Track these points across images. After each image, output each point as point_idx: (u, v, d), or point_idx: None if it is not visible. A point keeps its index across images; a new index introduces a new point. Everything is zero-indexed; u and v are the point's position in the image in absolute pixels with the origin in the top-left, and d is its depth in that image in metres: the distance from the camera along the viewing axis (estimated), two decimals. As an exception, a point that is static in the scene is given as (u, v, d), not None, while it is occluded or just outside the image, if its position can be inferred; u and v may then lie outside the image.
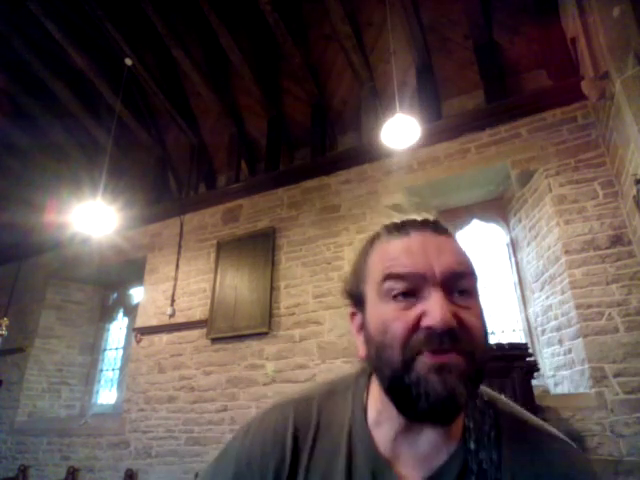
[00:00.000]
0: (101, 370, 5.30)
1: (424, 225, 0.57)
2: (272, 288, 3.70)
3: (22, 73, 4.69)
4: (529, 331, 3.20)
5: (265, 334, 3.56)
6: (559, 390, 2.83)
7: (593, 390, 2.45)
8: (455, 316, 0.48)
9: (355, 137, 4.02)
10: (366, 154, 3.68)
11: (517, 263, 3.41)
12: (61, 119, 5.01)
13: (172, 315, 4.13)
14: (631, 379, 2.39)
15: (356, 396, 0.61)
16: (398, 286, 0.51)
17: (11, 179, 5.49)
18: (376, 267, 0.55)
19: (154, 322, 4.22)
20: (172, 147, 5.04)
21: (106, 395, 5.14)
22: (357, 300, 0.58)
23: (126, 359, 4.86)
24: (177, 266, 4.32)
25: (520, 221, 3.37)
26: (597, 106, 2.79)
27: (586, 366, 2.52)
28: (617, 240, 2.64)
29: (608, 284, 2.58)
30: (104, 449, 3.99)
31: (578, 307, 2.62)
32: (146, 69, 4.30)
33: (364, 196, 3.63)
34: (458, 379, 0.47)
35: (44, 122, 5.04)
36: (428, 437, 0.54)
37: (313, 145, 4.11)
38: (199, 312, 4.00)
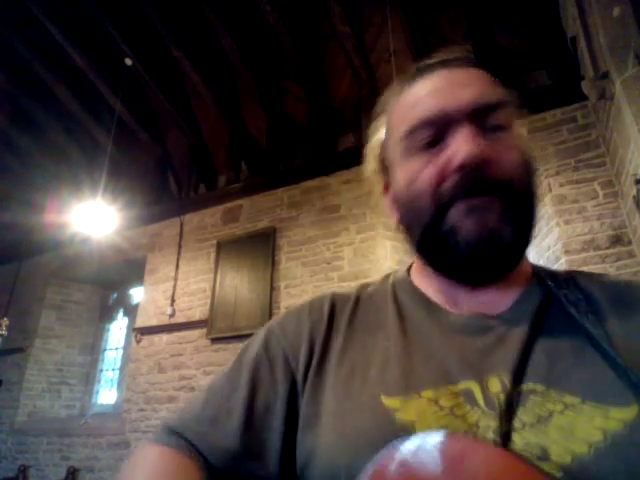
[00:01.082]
0: (101, 370, 5.30)
1: (450, 61, 0.51)
2: (272, 288, 3.70)
3: (22, 73, 4.69)
4: (529, 331, 3.20)
5: (265, 334, 3.57)
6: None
7: None
8: (489, 149, 0.42)
9: (355, 137, 4.02)
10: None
11: (517, 263, 3.41)
12: (61, 119, 5.01)
13: (172, 315, 4.13)
14: (631, 379, 2.39)
15: (398, 273, 0.57)
16: (420, 136, 0.45)
17: (11, 179, 5.48)
18: (397, 122, 0.49)
19: (154, 322, 4.22)
20: (172, 147, 5.04)
21: (106, 395, 5.14)
22: (384, 167, 0.53)
23: (126, 359, 4.86)
24: (177, 266, 4.32)
25: (520, 221, 3.37)
26: (597, 106, 2.79)
27: (586, 366, 2.52)
28: (617, 240, 2.64)
29: (608, 284, 2.58)
30: (104, 449, 3.99)
31: (578, 307, 2.62)
32: (146, 69, 4.30)
33: (364, 196, 3.63)
34: (498, 217, 0.41)
35: (44, 122, 5.04)
36: (488, 291, 0.46)
37: (313, 145, 4.11)
38: (199, 312, 4.00)
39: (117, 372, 5.13)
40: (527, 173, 0.45)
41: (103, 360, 5.35)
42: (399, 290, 0.53)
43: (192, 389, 3.76)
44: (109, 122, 4.49)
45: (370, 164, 0.58)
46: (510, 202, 0.42)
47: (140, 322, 4.34)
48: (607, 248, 2.65)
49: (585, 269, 2.67)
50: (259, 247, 3.91)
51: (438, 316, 0.47)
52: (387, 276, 0.58)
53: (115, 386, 5.06)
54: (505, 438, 0.35)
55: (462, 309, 0.47)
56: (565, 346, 0.41)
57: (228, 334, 3.71)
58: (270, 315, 3.59)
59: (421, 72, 0.51)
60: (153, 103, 4.85)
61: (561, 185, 2.91)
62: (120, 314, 5.44)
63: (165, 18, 3.85)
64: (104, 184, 3.69)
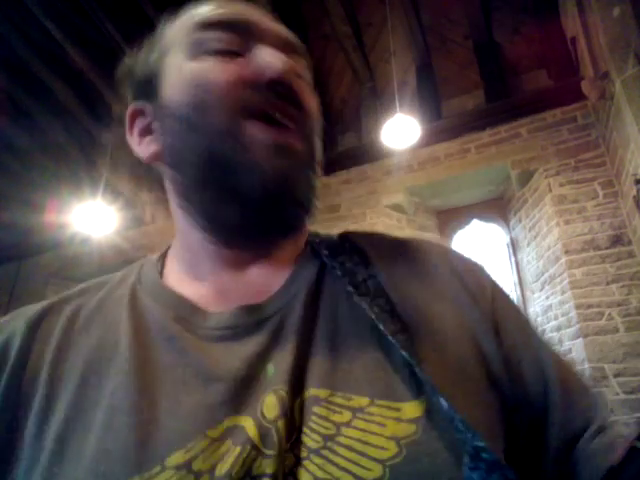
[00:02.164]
0: (101, 370, 5.30)
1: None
2: (272, 288, 3.70)
3: (22, 73, 4.69)
4: (529, 331, 3.20)
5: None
6: (559, 390, 2.83)
7: (593, 390, 2.45)
8: (298, 79, 0.36)
9: (355, 137, 4.02)
10: (366, 154, 3.68)
11: (517, 263, 3.41)
12: (61, 119, 5.01)
13: (172, 315, 4.12)
14: (631, 379, 2.39)
15: (148, 262, 0.43)
16: (217, 37, 0.36)
17: (11, 179, 5.48)
18: (181, 28, 0.40)
19: (154, 322, 4.22)
20: (172, 147, 5.04)
21: (106, 395, 5.13)
22: (144, 87, 0.40)
23: (126, 359, 4.85)
24: (177, 266, 4.32)
25: (520, 221, 3.37)
26: (597, 106, 2.79)
27: (586, 366, 2.52)
28: (617, 240, 2.64)
29: (608, 284, 2.58)
30: (104, 449, 3.98)
31: (578, 307, 2.62)
32: (146, 69, 4.29)
33: (364, 196, 3.63)
34: (299, 166, 0.35)
35: (44, 122, 5.04)
36: (259, 267, 0.38)
37: (313, 145, 4.10)
38: (199, 312, 3.99)
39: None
40: (317, 113, 0.40)
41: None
42: (140, 292, 0.38)
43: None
44: (109, 122, 4.48)
45: (124, 86, 0.45)
46: (309, 153, 0.37)
47: (140, 322, 4.33)
48: (607, 248, 2.65)
49: (585, 269, 2.67)
50: (259, 247, 3.90)
51: (193, 322, 0.35)
52: (130, 270, 0.44)
53: (115, 386, 5.06)
54: (290, 477, 0.27)
55: (227, 301, 0.36)
56: (347, 333, 0.34)
57: (228, 334, 3.70)
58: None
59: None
60: (153, 103, 4.85)
61: (561, 185, 2.91)
62: (120, 314, 5.44)
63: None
64: (104, 184, 3.68)
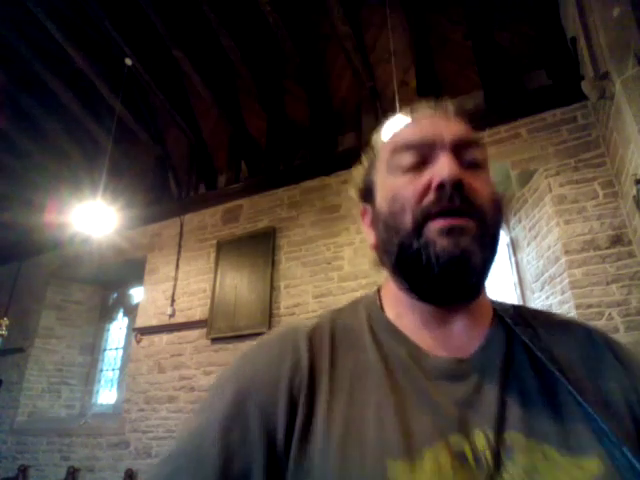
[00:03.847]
0: (101, 370, 5.30)
1: (429, 108, 0.55)
2: (272, 288, 3.70)
3: (22, 73, 4.69)
4: (529, 331, 3.20)
5: (265, 334, 3.56)
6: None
7: None
8: (465, 178, 0.46)
9: (355, 137, 4.02)
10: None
11: (517, 263, 3.41)
12: (61, 119, 5.01)
13: (172, 315, 4.13)
14: (631, 379, 2.39)
15: (368, 302, 0.55)
16: (406, 157, 0.49)
17: (11, 179, 5.48)
18: (384, 150, 0.54)
19: (154, 322, 4.22)
20: (172, 147, 5.04)
21: (106, 395, 5.14)
22: (367, 193, 0.56)
23: (126, 359, 4.86)
24: (177, 266, 4.32)
25: (520, 221, 3.37)
26: (597, 106, 2.79)
27: (586, 366, 2.52)
28: (617, 240, 2.64)
29: (608, 284, 2.58)
30: (104, 449, 3.99)
31: (578, 307, 2.62)
32: (146, 69, 4.30)
33: (364, 196, 3.63)
34: (471, 240, 0.44)
35: (44, 122, 5.04)
36: (457, 322, 0.49)
37: (313, 145, 4.11)
38: (199, 312, 4.00)
39: (117, 372, 5.12)
40: (498, 210, 0.48)
41: (103, 360, 5.35)
42: (376, 326, 0.51)
43: (192, 389, 3.76)
44: (109, 122, 4.48)
45: (352, 191, 0.60)
46: (481, 228, 0.45)
47: (140, 322, 4.34)
48: (607, 248, 2.65)
49: (585, 269, 2.67)
50: (259, 247, 3.91)
51: (419, 360, 0.46)
52: (356, 303, 0.56)
53: (115, 386, 5.06)
54: None
55: (438, 348, 0.48)
56: (534, 391, 0.44)
57: (228, 334, 3.71)
58: (270, 315, 3.59)
59: (407, 123, 0.55)
60: (153, 103, 4.85)
61: (561, 185, 2.91)
62: (120, 314, 5.44)
63: (165, 18, 3.85)
64: (104, 184, 3.69)
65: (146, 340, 4.20)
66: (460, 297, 0.48)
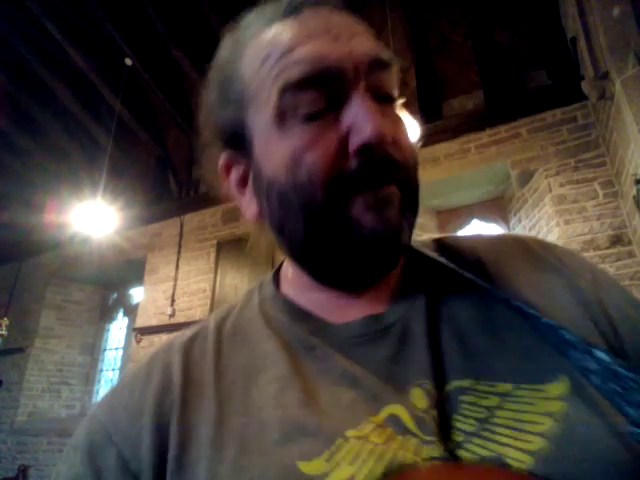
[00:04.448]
0: (101, 370, 5.30)
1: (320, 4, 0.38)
2: (272, 288, 3.70)
3: (22, 73, 4.69)
4: (529, 331, 3.20)
5: (265, 334, 3.56)
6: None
7: None
8: (390, 127, 0.35)
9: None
10: (366, 154, 3.68)
11: (517, 263, 3.41)
12: (61, 119, 5.01)
13: (172, 315, 4.13)
14: (631, 379, 2.39)
15: (263, 286, 0.46)
16: (305, 98, 0.34)
17: (11, 179, 5.48)
18: (260, 74, 0.36)
19: (154, 322, 4.22)
20: (172, 147, 5.04)
21: (106, 395, 5.13)
22: (232, 139, 0.40)
23: (126, 359, 4.86)
24: (177, 266, 4.32)
25: (520, 221, 3.37)
26: (597, 106, 2.79)
27: (586, 366, 2.52)
28: (617, 240, 2.64)
29: (608, 284, 2.58)
30: (104, 449, 3.98)
31: (578, 307, 2.62)
32: (146, 69, 4.30)
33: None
34: (398, 211, 0.35)
35: (44, 122, 5.04)
36: (371, 289, 0.40)
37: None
38: (199, 312, 4.00)
39: (117, 372, 5.13)
40: (417, 160, 0.38)
41: (103, 360, 5.36)
42: (270, 310, 0.42)
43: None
44: (109, 122, 4.49)
45: (205, 128, 0.44)
46: (407, 192, 0.36)
47: (140, 322, 4.34)
48: (607, 248, 2.65)
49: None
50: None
51: (326, 332, 0.38)
52: (249, 294, 0.46)
53: (115, 386, 5.06)
54: (454, 459, 0.29)
55: (346, 315, 0.39)
56: (473, 325, 0.36)
57: (228, 334, 3.71)
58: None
59: (281, 5, 0.38)
60: (153, 103, 4.85)
61: (561, 185, 2.91)
62: (120, 314, 5.44)
63: (165, 18, 3.85)
64: (104, 184, 3.69)
65: (146, 340, 4.20)
66: (380, 275, 0.39)
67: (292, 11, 0.37)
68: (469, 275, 0.38)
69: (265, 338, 0.39)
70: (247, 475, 0.30)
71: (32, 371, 4.86)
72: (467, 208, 3.68)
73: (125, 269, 4.94)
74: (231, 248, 4.06)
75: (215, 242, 4.18)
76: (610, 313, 0.37)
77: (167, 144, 5.06)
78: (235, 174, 0.41)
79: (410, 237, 0.38)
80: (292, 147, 0.34)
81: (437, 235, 0.48)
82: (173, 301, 4.18)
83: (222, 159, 0.42)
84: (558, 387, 0.31)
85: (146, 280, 4.50)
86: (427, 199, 3.61)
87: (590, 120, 2.96)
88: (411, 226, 0.37)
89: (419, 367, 0.34)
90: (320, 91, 0.34)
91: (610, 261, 2.62)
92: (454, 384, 0.33)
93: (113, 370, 5.21)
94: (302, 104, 0.34)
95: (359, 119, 0.33)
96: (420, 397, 0.32)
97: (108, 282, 5.42)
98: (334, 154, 0.34)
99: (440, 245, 0.45)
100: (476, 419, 0.31)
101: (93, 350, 5.37)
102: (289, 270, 0.44)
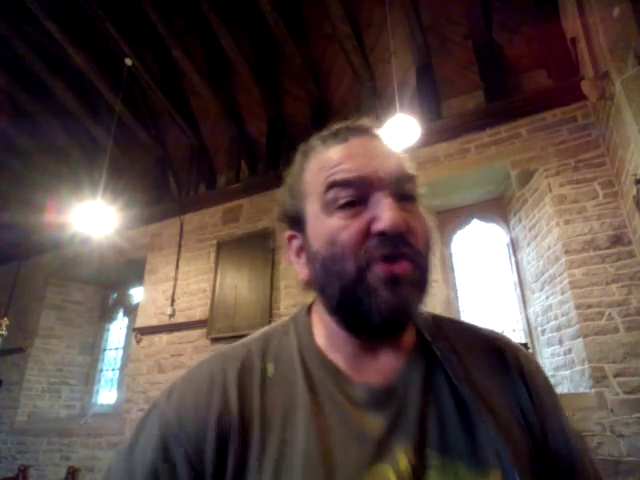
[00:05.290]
0: (101, 370, 5.30)
1: (360, 130, 0.54)
2: (272, 288, 3.70)
3: (22, 73, 4.69)
4: (529, 331, 3.20)
5: (265, 334, 3.56)
6: (559, 390, 2.83)
7: (593, 390, 2.45)
8: (407, 219, 0.47)
9: (355, 137, 4.02)
10: (366, 154, 3.68)
11: (517, 263, 3.41)
12: (61, 119, 5.01)
13: (172, 315, 4.13)
14: (631, 379, 2.39)
15: (299, 327, 0.56)
16: (344, 194, 0.48)
17: (11, 179, 5.48)
18: (316, 178, 0.51)
19: (154, 322, 4.22)
20: (172, 147, 5.04)
21: (106, 395, 5.14)
22: (295, 220, 0.54)
23: (126, 359, 4.86)
24: (177, 266, 4.32)
25: (520, 221, 3.37)
26: (597, 106, 2.79)
27: (586, 366, 2.52)
28: (617, 240, 2.64)
29: (608, 284, 2.58)
30: (104, 449, 3.99)
31: (578, 307, 2.62)
32: (146, 69, 4.30)
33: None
34: (410, 289, 0.46)
35: (44, 122, 5.04)
36: (384, 350, 0.51)
37: (313, 145, 4.10)
38: (199, 312, 4.00)
39: (117, 372, 5.12)
40: (429, 246, 0.50)
41: (103, 360, 5.35)
42: (307, 356, 0.52)
43: (192, 389, 3.75)
44: (109, 122, 4.48)
45: (279, 212, 0.58)
46: (419, 270, 0.47)
47: (140, 322, 4.34)
48: (607, 248, 2.65)
49: (585, 269, 2.67)
50: (259, 247, 3.91)
51: (346, 389, 0.48)
52: (287, 325, 0.57)
53: (115, 386, 5.06)
54: None
55: (364, 375, 0.50)
56: (450, 411, 0.47)
57: (228, 334, 3.71)
58: (270, 315, 3.59)
59: (335, 135, 0.54)
60: (153, 103, 4.85)
61: (561, 185, 2.91)
62: (120, 314, 5.44)
63: (165, 18, 3.85)
64: (104, 184, 3.69)
65: (146, 340, 4.20)
66: (396, 333, 0.50)
67: (342, 139, 0.53)
68: (454, 377, 0.49)
69: (301, 381, 0.49)
70: None
71: (32, 371, 4.85)
72: (467, 208, 3.68)
73: (125, 269, 4.94)
74: (231, 248, 4.06)
75: (215, 242, 4.18)
76: (546, 419, 0.51)
77: (167, 144, 5.06)
78: (295, 244, 0.55)
79: (416, 309, 0.47)
80: (331, 228, 0.48)
81: (434, 314, 0.60)
82: (173, 301, 4.18)
83: (287, 232, 0.57)
84: (495, 476, 0.43)
85: (146, 280, 4.50)
86: (427, 199, 3.60)
87: (590, 120, 2.95)
88: (421, 299, 0.47)
89: (407, 437, 0.45)
90: (354, 190, 0.48)
91: (610, 261, 2.62)
92: (428, 455, 0.44)
93: (113, 370, 5.21)
94: (341, 197, 0.48)
95: (379, 211, 0.46)
96: (403, 460, 0.43)
97: (108, 282, 5.42)
98: (361, 234, 0.46)
99: (436, 324, 0.57)
100: None
101: (93, 350, 5.37)
102: (321, 317, 0.54)
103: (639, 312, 2.47)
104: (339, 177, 0.48)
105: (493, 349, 0.55)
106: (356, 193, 0.48)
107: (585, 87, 2.70)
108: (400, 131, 2.80)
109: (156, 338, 4.14)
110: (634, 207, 2.39)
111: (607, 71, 2.36)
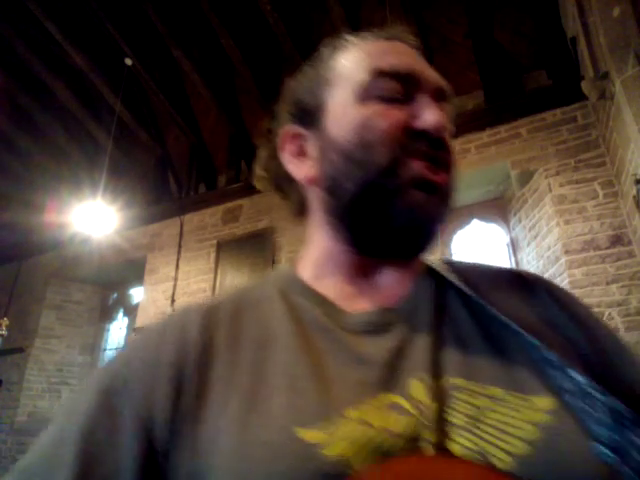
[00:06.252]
0: (101, 370, 5.29)
1: (402, 36, 0.48)
2: (272, 288, 3.70)
3: (22, 73, 4.69)
4: (529, 331, 3.20)
5: (265, 334, 3.56)
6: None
7: (593, 390, 2.45)
8: (446, 133, 0.42)
9: (355, 137, 4.02)
10: (366, 154, 3.68)
11: (517, 263, 3.41)
12: (61, 119, 5.01)
13: (172, 315, 4.12)
14: (631, 379, 2.39)
15: (282, 270, 0.50)
16: (388, 86, 0.42)
17: (11, 179, 5.48)
18: (354, 64, 0.44)
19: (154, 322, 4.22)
20: (172, 147, 5.04)
21: (106, 395, 5.13)
22: (306, 113, 0.47)
23: (126, 359, 4.85)
24: (177, 266, 4.32)
25: (520, 221, 3.37)
26: (597, 106, 2.79)
27: (586, 366, 2.52)
28: (617, 240, 2.64)
29: (608, 284, 2.58)
30: (104, 449, 3.98)
31: (578, 307, 2.62)
32: (146, 69, 4.30)
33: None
34: (440, 200, 0.41)
35: (44, 122, 5.04)
36: (387, 275, 0.44)
37: (313, 145, 4.10)
38: (199, 312, 3.99)
39: (117, 372, 5.12)
40: (456, 174, 0.45)
41: (103, 360, 5.35)
42: (289, 291, 0.45)
43: (192, 389, 3.76)
44: (109, 122, 4.49)
45: (284, 107, 0.50)
46: (449, 188, 0.42)
47: (140, 322, 4.34)
48: (607, 248, 2.65)
49: (585, 269, 2.67)
50: (259, 247, 3.91)
51: (338, 317, 0.41)
52: (268, 276, 0.51)
53: (115, 386, 5.06)
54: (441, 448, 0.31)
55: (359, 304, 0.43)
56: (472, 334, 0.40)
57: (228, 334, 3.71)
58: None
59: (376, 33, 0.48)
60: (153, 103, 4.85)
61: (561, 185, 2.91)
62: (120, 314, 5.44)
63: (165, 18, 3.85)
64: (104, 184, 3.69)
65: (146, 340, 4.19)
66: (407, 255, 0.44)
67: (387, 38, 0.47)
68: (471, 292, 0.42)
69: (280, 314, 0.42)
70: (247, 431, 0.33)
71: (32, 371, 4.85)
72: (467, 208, 3.68)
73: (125, 269, 4.94)
74: (231, 248, 4.06)
75: (215, 242, 4.18)
76: (600, 340, 0.42)
77: (167, 144, 5.06)
78: (293, 145, 0.48)
79: (439, 230, 0.42)
80: (366, 114, 0.41)
81: (448, 259, 0.53)
82: (173, 301, 4.18)
83: (286, 130, 0.48)
84: (543, 400, 0.34)
85: (146, 280, 4.50)
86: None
87: (590, 120, 2.96)
88: (444, 220, 0.42)
89: (420, 361, 0.37)
90: (400, 84, 0.42)
91: (610, 261, 2.62)
92: (450, 380, 0.35)
93: (113, 370, 5.21)
94: (385, 88, 0.42)
95: (425, 111, 0.41)
96: (417, 388, 0.35)
97: (108, 282, 5.42)
98: (402, 126, 0.40)
99: (448, 264, 0.49)
100: (466, 415, 0.33)
101: (93, 350, 5.37)
102: (313, 249, 0.49)
103: (639, 312, 2.47)
104: (387, 66, 0.42)
105: (517, 279, 0.48)
106: (401, 89, 0.42)
107: (585, 87, 2.70)
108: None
109: (156, 338, 4.14)
110: (634, 207, 2.39)
111: (607, 71, 2.36)
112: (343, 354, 0.38)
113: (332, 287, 0.44)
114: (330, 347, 0.39)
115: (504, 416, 0.33)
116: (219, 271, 4.00)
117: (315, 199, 0.48)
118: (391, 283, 0.44)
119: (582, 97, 2.89)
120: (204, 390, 0.36)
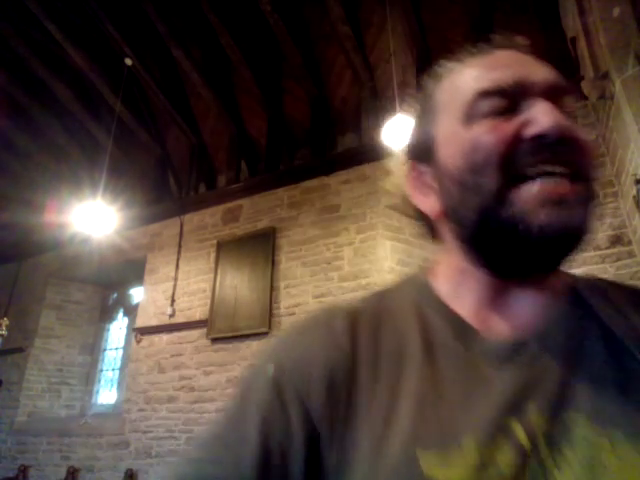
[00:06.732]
0: (101, 370, 5.30)
1: (504, 43, 0.45)
2: (272, 288, 3.70)
3: (22, 73, 4.69)
4: (529, 331, 3.20)
5: (265, 334, 3.56)
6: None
7: None
8: (569, 127, 0.38)
9: (355, 137, 4.02)
10: (366, 154, 3.68)
11: (517, 263, 3.41)
12: (61, 119, 5.01)
13: (172, 315, 4.13)
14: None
15: (417, 281, 0.49)
16: (495, 103, 0.39)
17: (11, 179, 5.48)
18: (455, 91, 0.43)
19: (154, 322, 4.22)
20: (172, 147, 5.04)
21: (106, 395, 5.13)
22: (421, 150, 0.47)
23: (126, 359, 4.86)
24: (177, 266, 4.32)
25: (520, 221, 3.37)
26: (597, 106, 2.79)
27: (586, 366, 2.52)
28: (617, 240, 2.64)
29: (608, 284, 2.58)
30: (104, 449, 3.99)
31: (578, 307, 2.62)
32: (146, 69, 4.30)
33: (364, 196, 3.63)
34: (575, 212, 0.36)
35: (44, 122, 5.04)
36: (524, 298, 0.42)
37: (313, 145, 4.11)
38: (199, 312, 4.00)
39: (117, 372, 5.12)
40: (595, 162, 0.41)
41: (103, 360, 5.35)
42: (422, 302, 0.46)
43: (192, 389, 3.76)
44: (109, 122, 4.49)
45: (402, 155, 0.51)
46: (589, 192, 0.38)
47: (140, 322, 4.34)
48: (607, 248, 2.65)
49: (585, 269, 2.67)
50: (259, 247, 3.91)
51: (471, 341, 0.41)
52: (402, 284, 0.51)
53: (115, 386, 5.06)
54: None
55: (493, 327, 0.42)
56: (606, 372, 0.37)
57: (228, 334, 3.71)
58: (270, 315, 3.59)
59: (474, 53, 0.46)
60: (153, 103, 4.85)
61: (561, 185, 2.91)
62: (120, 314, 5.44)
63: (165, 18, 3.85)
64: (104, 184, 3.69)
65: (146, 340, 4.20)
66: (546, 270, 0.41)
67: (485, 53, 0.44)
68: (610, 323, 0.40)
69: (413, 332, 0.43)
70: (384, 448, 0.36)
71: (32, 371, 4.85)
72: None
73: (125, 269, 4.94)
74: (231, 248, 4.06)
75: (215, 242, 4.18)
76: None
77: (167, 144, 5.07)
78: (417, 180, 0.48)
79: (587, 232, 0.38)
80: (472, 135, 0.39)
81: (602, 278, 0.50)
82: (173, 301, 4.18)
83: (410, 167, 0.49)
84: None
85: (146, 280, 4.50)
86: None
87: (590, 120, 2.95)
88: (589, 220, 0.38)
89: (546, 394, 0.36)
90: (505, 98, 0.39)
91: (610, 261, 2.62)
92: (570, 415, 0.35)
93: (113, 370, 5.21)
94: (490, 106, 0.40)
95: (538, 114, 0.37)
96: (537, 419, 0.35)
97: (108, 282, 5.42)
98: (510, 138, 0.37)
99: (592, 283, 0.46)
100: (584, 455, 0.33)
101: (93, 350, 5.37)
102: (447, 265, 0.47)
103: (639, 312, 2.47)
104: (489, 83, 0.40)
105: None
106: (507, 101, 0.39)
107: (585, 87, 2.70)
108: (400, 131, 2.80)
109: (156, 338, 4.14)
110: (634, 207, 2.39)
111: (607, 71, 2.36)
112: (470, 381, 0.39)
113: (467, 307, 0.43)
114: (458, 373, 0.40)
115: (621, 464, 0.31)
116: (219, 271, 4.00)
117: (444, 228, 0.46)
118: (528, 307, 0.42)
119: (582, 97, 2.88)
120: (354, 397, 0.40)
